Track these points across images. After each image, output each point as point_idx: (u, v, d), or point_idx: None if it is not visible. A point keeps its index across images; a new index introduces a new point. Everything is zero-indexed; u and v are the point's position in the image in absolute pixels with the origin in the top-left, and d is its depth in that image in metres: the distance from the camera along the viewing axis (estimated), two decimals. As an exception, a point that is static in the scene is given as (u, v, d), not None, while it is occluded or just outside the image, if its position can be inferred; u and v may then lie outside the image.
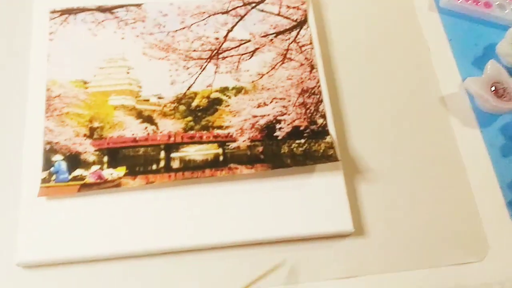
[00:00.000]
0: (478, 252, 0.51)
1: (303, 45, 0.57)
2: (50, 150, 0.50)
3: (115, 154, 0.50)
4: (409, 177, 0.53)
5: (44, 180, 0.48)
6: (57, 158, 0.49)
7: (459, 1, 0.62)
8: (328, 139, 0.52)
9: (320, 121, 0.53)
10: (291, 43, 0.57)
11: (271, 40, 0.57)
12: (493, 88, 0.56)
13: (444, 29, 0.62)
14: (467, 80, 0.57)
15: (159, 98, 0.53)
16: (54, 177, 0.48)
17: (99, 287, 0.47)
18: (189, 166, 0.50)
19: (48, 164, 0.49)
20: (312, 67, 0.56)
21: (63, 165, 0.49)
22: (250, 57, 0.56)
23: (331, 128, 0.53)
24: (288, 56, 0.56)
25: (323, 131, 0.52)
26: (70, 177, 0.49)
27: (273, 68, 0.55)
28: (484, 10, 0.62)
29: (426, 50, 0.61)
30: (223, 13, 0.57)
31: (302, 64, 0.56)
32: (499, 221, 0.52)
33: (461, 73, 0.59)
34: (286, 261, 0.49)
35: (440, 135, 0.56)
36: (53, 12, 0.56)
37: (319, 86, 0.55)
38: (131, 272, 0.47)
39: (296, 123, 0.53)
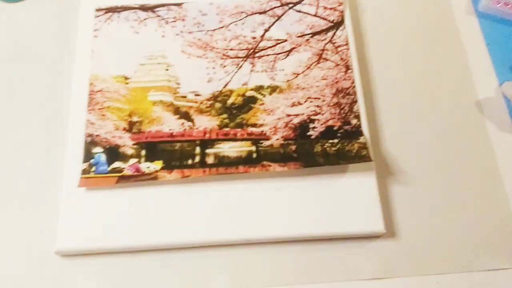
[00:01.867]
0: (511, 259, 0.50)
1: (339, 46, 0.57)
2: (91, 142, 0.52)
3: (153, 148, 0.52)
4: (442, 180, 0.53)
5: (84, 171, 0.50)
6: (97, 150, 0.51)
7: (498, 5, 0.61)
8: (361, 139, 0.52)
9: (354, 121, 0.53)
10: (327, 43, 0.57)
11: (307, 40, 0.57)
12: (531, 93, 0.55)
13: (482, 33, 0.61)
14: (504, 84, 0.56)
15: (196, 95, 0.54)
16: (93, 168, 0.50)
17: (132, 278, 0.48)
18: (223, 162, 0.51)
19: (88, 155, 0.51)
20: (347, 67, 0.56)
21: (103, 157, 0.51)
22: (286, 57, 0.57)
23: (365, 128, 0.53)
24: (323, 56, 0.57)
25: (357, 132, 0.53)
26: (109, 169, 0.50)
27: (308, 67, 0.56)
28: (525, 14, 0.61)
29: (463, 54, 0.60)
30: (260, 13, 0.59)
31: (337, 65, 0.56)
32: (535, 228, 0.52)
33: (499, 77, 0.59)
34: (316, 259, 0.49)
35: (475, 138, 0.55)
36: (98, 10, 0.58)
37: (353, 87, 0.55)
38: (165, 264, 0.49)
39: (330, 123, 0.53)
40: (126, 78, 0.55)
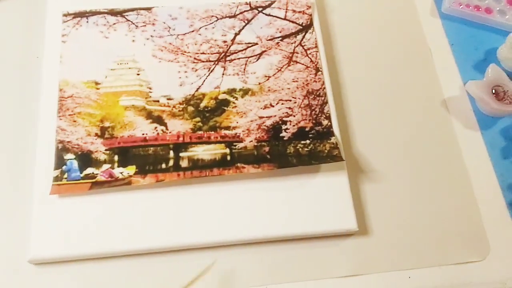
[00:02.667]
0: (480, 252, 0.52)
1: (309, 48, 0.58)
2: (62, 149, 0.51)
3: (126, 153, 0.51)
4: (412, 178, 0.55)
5: (56, 178, 0.49)
6: (69, 156, 0.51)
7: (461, 7, 0.64)
8: (332, 139, 0.53)
9: (325, 122, 0.54)
10: (297, 46, 0.58)
11: (278, 43, 0.58)
12: (493, 91, 0.57)
13: (446, 34, 0.64)
14: (468, 83, 0.58)
15: (169, 99, 0.54)
16: (66, 175, 0.50)
17: (109, 284, 0.48)
18: (197, 165, 0.51)
19: (60, 162, 0.50)
20: (317, 69, 0.57)
21: (75, 164, 0.50)
22: (257, 60, 0.57)
23: (335, 129, 0.54)
24: (294, 59, 0.58)
25: (328, 132, 0.54)
26: (82, 175, 0.50)
27: (279, 70, 0.57)
28: (485, 16, 0.64)
29: (428, 54, 0.62)
30: (230, 17, 0.59)
31: (307, 67, 0.57)
32: (500, 221, 0.54)
33: (463, 76, 0.61)
34: (292, 259, 0.50)
35: (442, 137, 0.57)
36: (66, 15, 0.57)
37: (324, 88, 0.56)
38: (140, 269, 0.49)
39: (302, 124, 0.54)
40: (97, 83, 0.54)
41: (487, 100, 0.57)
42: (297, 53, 0.58)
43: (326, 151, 0.53)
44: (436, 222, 0.53)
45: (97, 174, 0.50)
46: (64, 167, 0.50)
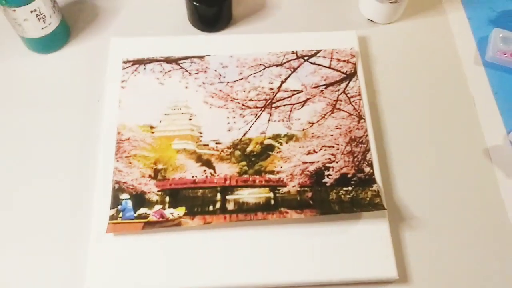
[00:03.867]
0: (522, 304, 0.52)
1: (352, 96, 0.60)
2: (118, 189, 0.55)
3: (176, 195, 0.55)
4: (453, 226, 0.55)
5: (112, 217, 0.53)
6: (124, 196, 0.54)
7: (505, 56, 0.64)
8: (374, 187, 0.55)
9: (367, 169, 0.56)
10: (341, 94, 0.61)
11: (322, 91, 0.61)
12: (538, 142, 0.58)
13: (490, 82, 0.64)
14: (512, 133, 0.59)
15: (217, 143, 0.58)
16: (121, 214, 0.53)
17: (157, 318, 0.51)
18: (242, 208, 0.54)
19: (116, 202, 0.54)
20: (360, 117, 0.59)
21: (129, 204, 0.54)
22: (302, 107, 0.60)
23: (377, 176, 0.56)
24: (337, 106, 0.60)
25: (370, 179, 0.55)
26: (136, 215, 0.53)
27: (323, 117, 0.59)
28: (530, 64, 0.64)
29: (471, 102, 0.63)
30: (277, 65, 0.62)
31: (350, 114, 0.59)
32: (544, 274, 0.53)
33: (506, 125, 0.61)
34: (332, 303, 0.51)
35: (484, 186, 0.58)
36: (126, 62, 0.62)
37: (366, 136, 0.58)
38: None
39: (344, 170, 0.56)
40: (152, 127, 0.58)
41: (531, 151, 0.57)
42: (341, 100, 0.60)
43: (368, 198, 0.54)
44: (478, 273, 0.53)
45: (149, 214, 0.53)
46: (119, 207, 0.54)
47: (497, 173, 0.58)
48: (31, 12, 0.58)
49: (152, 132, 0.58)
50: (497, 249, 0.54)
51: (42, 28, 0.61)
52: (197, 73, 0.62)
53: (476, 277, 0.53)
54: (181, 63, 0.62)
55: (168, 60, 0.62)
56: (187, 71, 0.62)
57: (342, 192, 0.55)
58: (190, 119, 0.59)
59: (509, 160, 0.59)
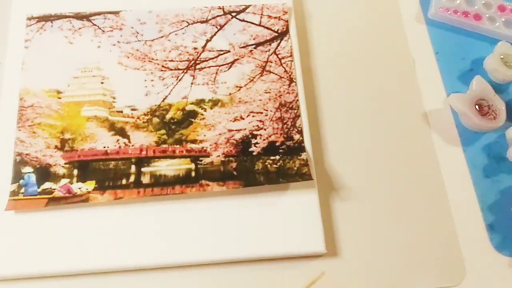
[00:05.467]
0: (455, 277, 0.49)
1: (283, 57, 0.55)
2: (21, 162, 0.49)
3: (85, 167, 0.49)
4: (386, 196, 0.52)
5: (13, 193, 0.48)
6: (27, 170, 0.49)
7: (448, 13, 0.60)
8: (303, 156, 0.51)
9: (296, 137, 0.52)
10: (271, 54, 0.55)
11: (251, 51, 0.55)
12: (477, 106, 0.54)
13: (431, 42, 0.60)
14: (451, 97, 0.55)
15: (133, 110, 0.52)
16: (23, 190, 0.48)
17: (65, 303, 0.46)
18: (159, 182, 0.49)
19: (17, 176, 0.48)
20: (291, 80, 0.54)
21: (33, 178, 0.48)
22: (229, 69, 0.55)
23: (307, 144, 0.52)
24: (267, 68, 0.55)
25: (299, 147, 0.51)
26: (39, 190, 0.48)
27: (252, 80, 0.54)
28: (474, 22, 0.60)
29: (411, 63, 0.59)
30: (202, 22, 0.56)
31: (281, 77, 0.54)
32: (479, 244, 0.51)
33: (447, 88, 0.58)
34: (256, 281, 0.48)
35: (421, 152, 0.55)
36: (30, 18, 0.55)
37: (297, 101, 0.53)
38: (98, 288, 0.47)
39: (272, 138, 0.52)
40: (59, 92, 0.52)
41: (469, 115, 0.54)
42: (271, 62, 0.55)
43: (295, 168, 0.50)
44: (411, 244, 0.50)
45: (54, 189, 0.48)
46: (21, 181, 0.48)
47: (435, 139, 0.55)
48: None
49: (59, 98, 0.52)
50: (432, 222, 0.51)
51: None
52: (111, 30, 0.55)
53: (406, 252, 0.50)
54: (93, 19, 0.55)
55: (78, 16, 0.55)
56: (99, 28, 0.55)
57: (269, 162, 0.50)
58: (102, 83, 0.53)
59: (447, 125, 0.56)
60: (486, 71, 0.58)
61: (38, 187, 0.48)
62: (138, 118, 0.52)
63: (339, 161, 0.53)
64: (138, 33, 0.55)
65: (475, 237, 0.51)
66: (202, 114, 0.52)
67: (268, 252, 0.48)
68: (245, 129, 0.52)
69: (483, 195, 0.53)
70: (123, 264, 0.47)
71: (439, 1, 0.61)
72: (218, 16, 0.57)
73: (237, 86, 0.54)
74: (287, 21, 0.57)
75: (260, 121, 0.53)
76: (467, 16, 0.60)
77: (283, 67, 0.55)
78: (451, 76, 0.58)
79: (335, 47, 0.59)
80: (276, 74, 0.55)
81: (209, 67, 0.55)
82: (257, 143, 0.52)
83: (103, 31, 0.55)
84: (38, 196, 0.48)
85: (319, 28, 0.60)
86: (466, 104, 0.54)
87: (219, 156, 0.51)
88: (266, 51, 0.55)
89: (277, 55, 0.55)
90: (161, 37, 0.55)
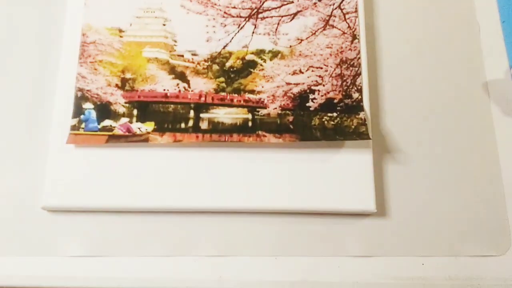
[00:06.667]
0: (501, 247, 0.50)
1: (348, 12, 0.54)
2: (82, 97, 0.50)
3: (145, 108, 0.50)
4: (439, 162, 0.52)
5: (73, 127, 0.49)
6: (88, 106, 0.49)
7: (520, -20, 0.58)
8: (361, 115, 0.50)
9: (355, 95, 0.51)
10: (335, 9, 0.54)
11: (315, 3, 0.54)
12: (542, 79, 0.53)
13: (499, 10, 0.58)
14: (515, 68, 0.54)
15: (193, 54, 0.52)
16: (83, 125, 0.49)
17: (118, 237, 0.48)
18: (217, 129, 0.49)
19: (78, 111, 0.49)
20: (354, 37, 0.53)
21: (93, 114, 0.49)
22: (291, 20, 0.54)
23: (366, 104, 0.51)
24: (330, 22, 0.54)
25: (358, 106, 0.51)
26: (100, 126, 0.49)
27: (313, 34, 0.53)
28: (546, -8, 0.58)
29: (476, 30, 0.57)
30: (267, -30, 0.55)
31: (344, 33, 0.53)
32: (526, 216, 0.51)
33: (510, 59, 0.56)
34: (305, 233, 0.49)
35: (478, 122, 0.54)
36: (94, -47, 0.54)
37: (359, 58, 0.53)
38: (149, 226, 0.48)
39: (331, 95, 0.51)
40: (121, 31, 0.52)
41: (533, 88, 0.53)
42: (335, 16, 0.54)
43: (353, 126, 0.50)
44: (458, 211, 0.51)
45: (114, 127, 0.49)
46: (82, 117, 0.49)
47: (493, 110, 0.54)
48: None
49: (121, 36, 0.52)
50: (480, 192, 0.51)
51: None
52: (176, -29, 0.54)
53: (454, 217, 0.50)
54: (158, -42, 0.54)
55: (143, -46, 0.54)
56: (164, -32, 0.54)
57: (326, 118, 0.50)
58: (164, 25, 0.52)
59: (507, 97, 0.55)
60: (553, 44, 0.57)
61: (98, 124, 0.49)
62: (198, 63, 0.51)
63: (396, 124, 0.53)
64: (202, -24, 0.54)
65: (524, 209, 0.51)
66: (261, 65, 0.52)
67: (319, 206, 0.49)
68: (303, 83, 0.52)
69: (537, 170, 0.52)
70: (177, 205, 0.48)
71: (512, -34, 0.58)
72: (284, -35, 0.55)
73: (298, 39, 0.53)
74: (354, -25, 0.55)
75: (320, 76, 0.52)
76: (540, -15, 0.58)
77: (346, 22, 0.54)
78: (516, 47, 0.57)
79: (400, 7, 0.57)
80: (339, 29, 0.54)
81: (271, 17, 0.54)
82: (314, 98, 0.51)
83: (168, -29, 0.54)
84: (98, 132, 0.48)
85: (386, -14, 0.58)
86: (530, 76, 0.53)
87: (276, 108, 0.51)
88: (330, 5, 0.54)
89: (341, 9, 0.54)
90: (225, -18, 0.54)
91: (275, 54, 0.52)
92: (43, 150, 0.49)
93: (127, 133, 0.49)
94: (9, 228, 0.48)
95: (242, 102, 0.51)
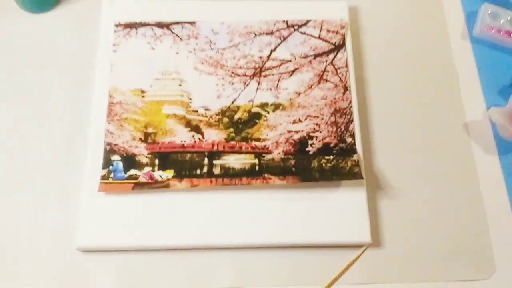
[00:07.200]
0: (485, 272, 0.55)
1: (339, 68, 0.62)
2: (110, 151, 0.57)
3: (165, 158, 0.57)
4: (427, 197, 0.58)
5: (103, 177, 0.56)
6: (115, 158, 0.57)
7: (492, 32, 0.66)
8: (355, 157, 0.57)
9: (349, 140, 0.58)
10: (328, 65, 0.62)
11: (310, 61, 0.62)
12: (515, 119, 0.60)
13: (475, 58, 0.66)
14: (491, 110, 0.61)
15: (206, 110, 0.59)
16: (112, 175, 0.56)
17: (146, 273, 0.54)
18: (228, 173, 0.56)
19: (107, 163, 0.56)
20: (346, 88, 0.61)
21: (120, 165, 0.56)
22: (290, 76, 0.62)
23: (358, 147, 0.58)
24: (324, 77, 0.61)
25: (351, 149, 0.58)
26: (126, 176, 0.56)
27: (310, 87, 0.61)
28: (515, 41, 0.65)
29: (455, 77, 0.65)
30: (268, 33, 0.63)
31: (336, 86, 0.61)
32: (509, 244, 0.57)
33: (487, 101, 0.63)
34: (307, 264, 0.55)
35: (460, 158, 0.60)
36: (118, 25, 0.63)
37: (350, 107, 0.60)
38: (174, 262, 0.54)
39: (327, 140, 0.58)
40: (143, 92, 0.60)
41: (507, 127, 0.59)
42: (328, 71, 0.62)
43: (347, 167, 0.57)
44: (447, 239, 0.56)
45: (139, 175, 0.56)
46: (110, 167, 0.56)
47: (474, 148, 0.61)
48: (24, -28, 0.59)
49: (143, 97, 0.60)
50: (468, 223, 0.57)
51: (35, -13, 0.62)
52: (188, 38, 0.63)
53: (444, 245, 0.56)
54: (173, 28, 0.63)
55: (160, 25, 0.63)
56: (178, 36, 0.63)
57: (324, 161, 0.57)
58: (180, 85, 0.60)
59: (486, 136, 0.62)
60: (524, 87, 0.64)
61: (125, 173, 0.56)
62: (210, 117, 0.59)
63: (386, 163, 0.60)
64: (211, 42, 0.63)
65: (505, 237, 0.57)
66: (265, 116, 0.60)
67: (320, 239, 0.55)
68: (302, 130, 0.59)
69: (516, 200, 0.58)
70: (195, 243, 0.54)
71: (483, 20, 0.66)
72: (282, 29, 0.63)
73: (296, 92, 0.61)
74: (343, 35, 0.63)
75: (317, 124, 0.59)
76: (510, 36, 0.65)
77: (338, 76, 0.61)
78: (492, 91, 0.64)
79: (386, 60, 0.65)
80: (332, 83, 0.61)
81: (273, 74, 0.62)
82: (313, 143, 0.58)
83: (181, 39, 0.63)
84: (125, 181, 0.56)
85: (372, 42, 0.66)
86: (504, 117, 0.59)
87: (279, 153, 0.58)
88: (324, 62, 0.62)
89: (333, 65, 0.62)
90: (232, 46, 0.62)
91: (277, 106, 0.60)
92: (76, 197, 0.56)
93: (150, 181, 0.56)
94: (47, 268, 0.54)
95: (249, 149, 0.58)
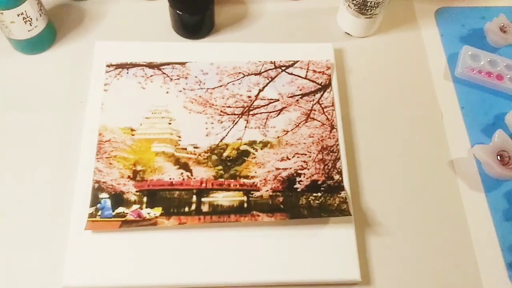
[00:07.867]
0: (476, 310, 0.55)
1: (326, 107, 0.63)
2: (98, 188, 0.57)
3: (154, 195, 0.57)
4: (416, 234, 0.58)
5: (91, 215, 0.55)
6: (104, 196, 0.57)
7: (473, 72, 0.68)
8: (342, 194, 0.58)
9: (336, 177, 0.59)
10: (315, 104, 0.63)
11: (297, 100, 0.64)
12: (499, 156, 0.61)
13: (458, 97, 0.68)
14: (475, 147, 0.62)
15: (195, 147, 0.60)
16: (100, 212, 0.56)
17: (131, 313, 0.53)
18: (217, 211, 0.56)
19: (95, 200, 0.56)
20: (332, 127, 0.62)
21: (108, 203, 0.56)
22: (277, 115, 0.63)
23: (346, 184, 0.59)
24: (311, 116, 0.63)
25: (339, 186, 0.58)
26: (114, 213, 0.56)
27: (297, 126, 0.62)
28: (496, 82, 0.67)
29: (439, 116, 0.66)
30: (256, 74, 0.65)
31: (323, 124, 0.62)
32: (498, 281, 0.56)
33: (471, 139, 0.64)
34: (298, 303, 0.54)
35: (447, 196, 0.61)
36: (109, 65, 0.64)
37: (337, 145, 0.61)
38: (159, 302, 0.54)
39: (315, 177, 0.59)
40: (132, 130, 0.61)
41: (492, 164, 0.60)
42: (315, 110, 0.63)
43: (335, 204, 0.57)
44: (436, 279, 0.56)
45: (127, 213, 0.56)
46: (98, 205, 0.56)
47: (460, 185, 0.62)
48: (18, 15, 0.60)
49: (133, 135, 0.60)
50: (456, 258, 0.57)
51: (29, 31, 0.63)
52: (178, 79, 0.64)
53: (433, 284, 0.56)
54: (163, 68, 0.65)
55: (151, 65, 0.65)
56: (168, 76, 0.64)
57: (312, 198, 0.58)
58: (170, 123, 0.61)
59: (471, 173, 0.63)
60: (507, 125, 0.65)
61: (113, 211, 0.56)
62: (199, 155, 0.60)
63: (374, 200, 0.60)
64: (201, 82, 0.64)
65: (495, 274, 0.57)
66: (253, 154, 0.60)
67: (308, 277, 0.54)
68: (290, 168, 0.60)
69: (503, 236, 0.58)
70: (184, 281, 0.54)
71: (465, 62, 0.68)
72: (270, 69, 0.65)
73: (284, 130, 0.62)
74: (329, 75, 0.65)
75: (304, 161, 0.60)
76: (490, 76, 0.68)
77: (325, 115, 0.63)
78: (475, 129, 0.65)
79: (371, 99, 0.67)
80: (319, 121, 0.62)
81: (261, 113, 0.63)
82: (301, 181, 0.59)
83: (171, 79, 0.64)
84: (112, 219, 0.55)
85: (358, 82, 0.68)
86: (488, 155, 0.61)
87: (267, 190, 0.58)
88: (310, 101, 0.64)
89: (320, 104, 0.63)
90: (221, 86, 0.64)
91: (265, 144, 0.61)
92: (64, 236, 0.55)
93: (138, 218, 0.55)
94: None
95: (238, 186, 0.58)
